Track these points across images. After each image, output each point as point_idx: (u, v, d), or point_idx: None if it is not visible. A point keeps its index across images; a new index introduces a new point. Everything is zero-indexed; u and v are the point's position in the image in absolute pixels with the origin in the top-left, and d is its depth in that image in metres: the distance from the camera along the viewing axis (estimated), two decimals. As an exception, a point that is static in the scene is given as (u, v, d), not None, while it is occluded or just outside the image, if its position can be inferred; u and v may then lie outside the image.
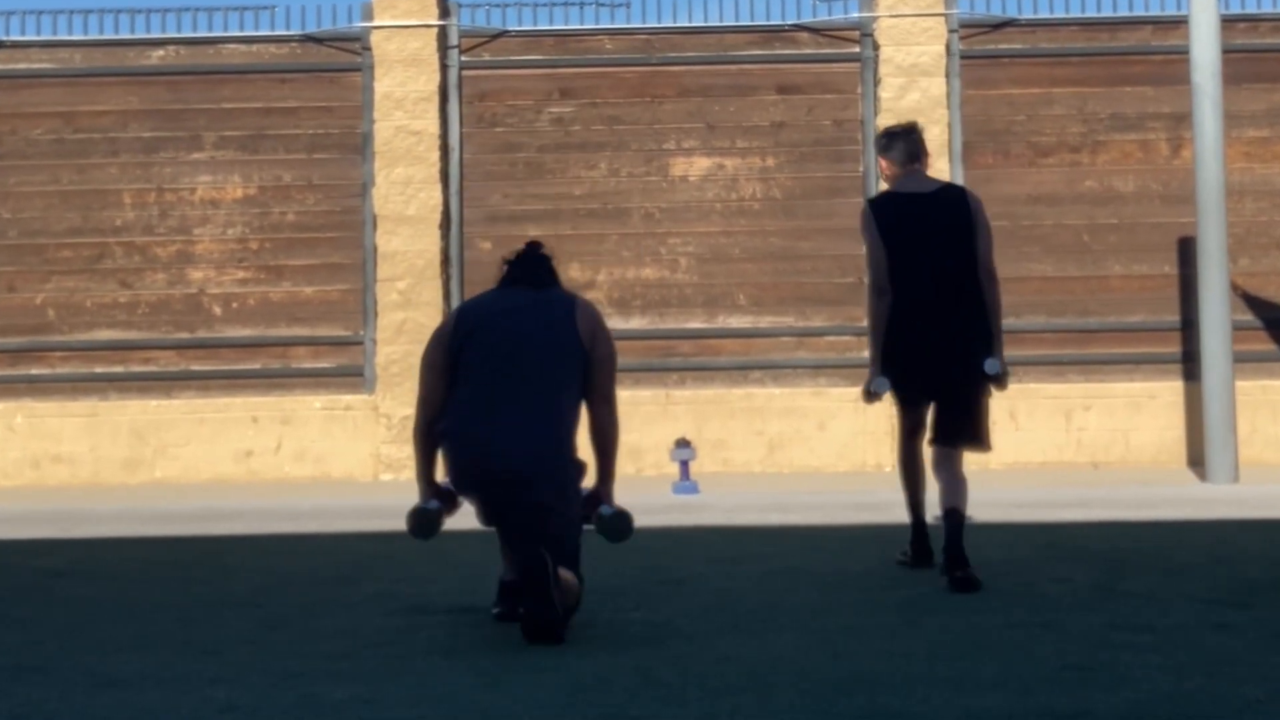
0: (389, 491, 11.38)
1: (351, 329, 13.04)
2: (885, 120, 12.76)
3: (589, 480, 5.49)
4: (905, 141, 6.85)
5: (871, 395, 6.69)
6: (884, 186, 7.01)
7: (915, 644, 4.91)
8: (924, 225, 6.59)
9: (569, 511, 5.33)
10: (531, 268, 5.58)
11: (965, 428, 6.56)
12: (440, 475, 5.51)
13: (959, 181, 12.85)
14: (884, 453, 12.29)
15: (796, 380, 12.87)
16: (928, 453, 6.78)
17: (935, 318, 6.50)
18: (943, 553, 6.37)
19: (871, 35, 13.01)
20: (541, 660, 4.74)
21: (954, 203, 6.72)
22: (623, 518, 5.44)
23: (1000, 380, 6.56)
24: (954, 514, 6.39)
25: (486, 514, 5.42)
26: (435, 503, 5.46)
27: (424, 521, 5.42)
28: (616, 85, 13.17)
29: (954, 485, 6.51)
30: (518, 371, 5.31)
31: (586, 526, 5.46)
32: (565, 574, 5.12)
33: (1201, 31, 11.56)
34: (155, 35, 13.27)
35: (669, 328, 12.90)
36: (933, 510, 6.77)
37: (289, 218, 13.11)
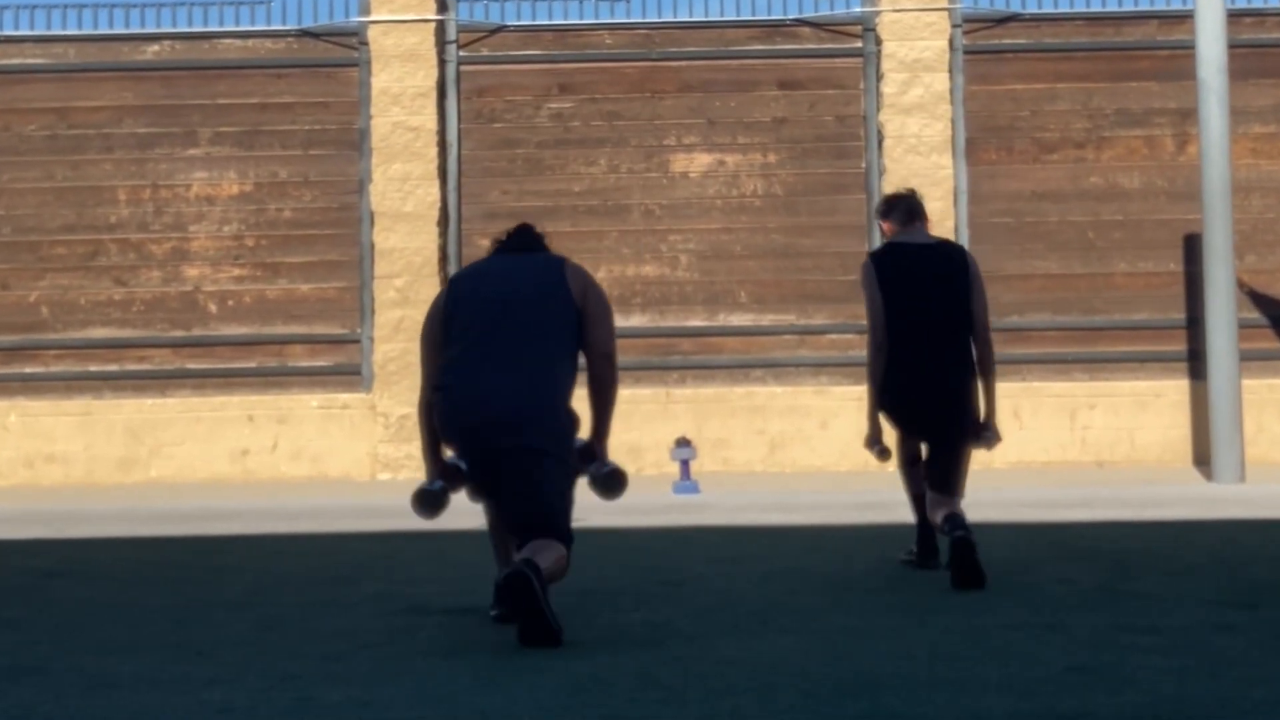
0: (386, 491, 11.38)
1: (348, 327, 13.04)
2: (888, 116, 12.78)
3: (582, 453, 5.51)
4: (906, 203, 7.06)
5: (880, 454, 6.90)
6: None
7: (918, 645, 4.91)
8: (922, 274, 6.77)
9: (562, 457, 5.31)
10: (521, 237, 5.74)
11: (954, 478, 6.71)
12: (447, 454, 5.52)
13: (962, 178, 12.88)
14: (886, 452, 12.28)
15: (798, 378, 12.87)
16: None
17: (931, 364, 6.68)
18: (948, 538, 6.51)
19: (874, 30, 13.01)
20: (541, 661, 4.74)
21: (951, 257, 6.88)
22: (617, 475, 5.44)
23: (992, 445, 6.83)
24: (954, 515, 6.52)
25: (478, 473, 5.34)
26: (439, 483, 5.46)
27: (428, 501, 5.41)
28: (616, 80, 13.17)
29: (954, 511, 6.63)
30: (510, 325, 5.36)
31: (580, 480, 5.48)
32: (551, 555, 5.07)
33: (1207, 26, 11.56)
34: (150, 30, 13.28)
35: (669, 325, 12.90)
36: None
37: (285, 214, 13.11)
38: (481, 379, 5.29)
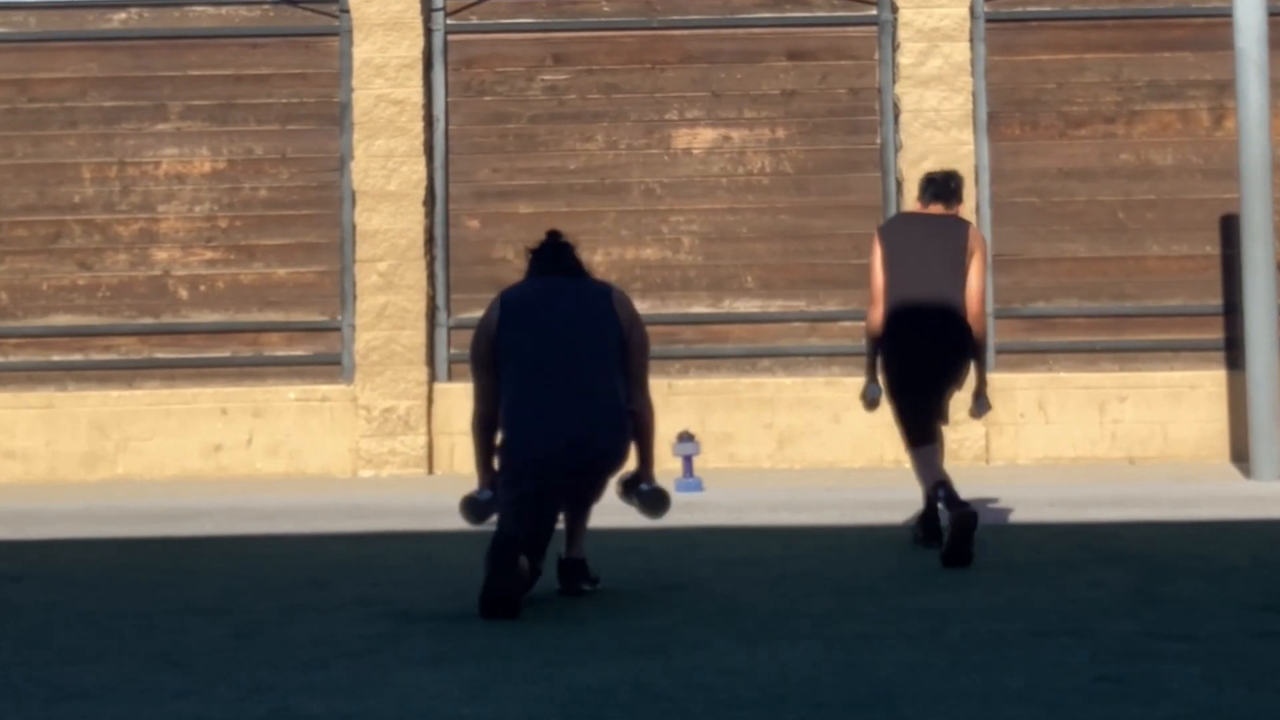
0: (368, 489, 11.38)
1: (328, 314, 13.04)
2: (905, 88, 12.78)
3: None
4: (940, 188, 7.64)
5: (869, 403, 7.76)
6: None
7: (937, 653, 4.91)
8: (923, 245, 7.41)
9: (620, 459, 6.12)
10: (560, 257, 6.33)
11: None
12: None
13: (984, 155, 12.90)
14: (902, 447, 12.26)
15: (808, 369, 12.87)
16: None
17: (926, 337, 7.37)
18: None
19: (890, -4, 13.01)
20: (533, 671, 4.74)
21: (954, 230, 7.48)
22: (662, 493, 6.30)
23: (983, 414, 7.75)
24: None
25: (534, 491, 5.94)
26: (488, 493, 6.13)
27: (476, 509, 6.17)
28: (614, 50, 13.17)
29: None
30: (567, 350, 6.06)
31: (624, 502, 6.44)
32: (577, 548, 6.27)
33: (1246, -8, 11.54)
34: (116, -3, 13.27)
35: (671, 312, 12.90)
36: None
37: (261, 194, 13.11)
38: (558, 423, 5.97)
